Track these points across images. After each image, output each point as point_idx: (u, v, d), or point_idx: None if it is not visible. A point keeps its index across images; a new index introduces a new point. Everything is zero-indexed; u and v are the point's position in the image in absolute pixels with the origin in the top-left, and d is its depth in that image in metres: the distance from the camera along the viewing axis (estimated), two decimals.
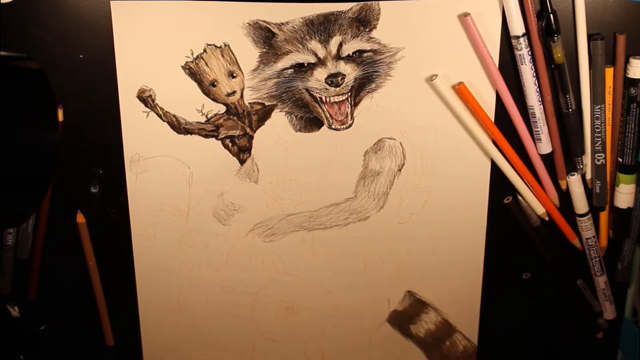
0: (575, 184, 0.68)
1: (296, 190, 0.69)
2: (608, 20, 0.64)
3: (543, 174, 0.68)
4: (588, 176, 0.68)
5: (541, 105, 0.65)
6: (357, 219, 0.70)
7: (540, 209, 0.69)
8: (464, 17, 0.62)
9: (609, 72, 0.64)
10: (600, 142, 0.66)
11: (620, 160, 0.67)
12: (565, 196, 0.69)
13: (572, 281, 0.72)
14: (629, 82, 0.64)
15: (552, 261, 0.71)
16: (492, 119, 0.66)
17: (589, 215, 0.69)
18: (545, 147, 0.66)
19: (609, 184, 0.68)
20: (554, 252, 0.71)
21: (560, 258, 0.71)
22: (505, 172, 0.68)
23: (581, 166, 0.67)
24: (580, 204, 0.69)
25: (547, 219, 0.70)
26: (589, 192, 0.69)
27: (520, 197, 0.69)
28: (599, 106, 0.65)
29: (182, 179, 0.68)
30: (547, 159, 0.67)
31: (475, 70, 0.65)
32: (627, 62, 0.64)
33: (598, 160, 0.67)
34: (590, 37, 0.63)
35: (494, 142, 0.67)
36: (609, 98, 0.65)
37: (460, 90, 0.65)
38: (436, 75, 0.65)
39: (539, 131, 0.66)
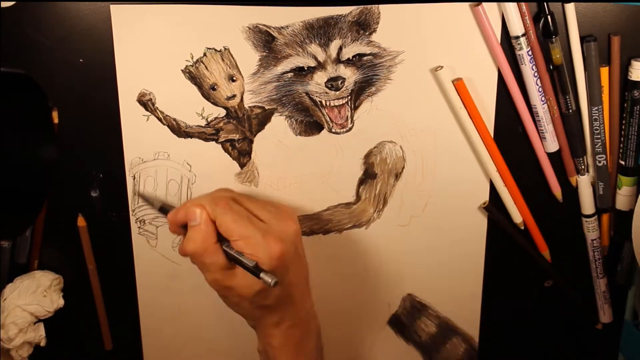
0: (585, 184, 0.68)
1: (296, 194, 0.69)
2: (608, 23, 0.64)
3: (549, 172, 0.68)
4: (592, 178, 0.68)
5: (544, 105, 0.65)
6: (358, 223, 0.70)
7: (517, 218, 0.69)
8: (475, 7, 0.62)
9: (604, 72, 0.64)
10: (600, 144, 0.66)
11: (622, 162, 0.67)
12: (566, 196, 0.69)
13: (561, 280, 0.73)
14: (631, 85, 0.64)
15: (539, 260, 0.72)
16: (493, 118, 0.66)
17: (595, 217, 0.69)
18: (551, 145, 0.66)
19: (610, 186, 0.68)
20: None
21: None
22: (492, 176, 0.68)
23: (583, 166, 0.67)
24: (588, 204, 0.68)
25: (522, 228, 0.70)
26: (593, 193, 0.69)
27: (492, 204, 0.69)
28: (596, 107, 0.65)
29: (182, 182, 0.68)
30: (556, 157, 0.67)
31: (474, 72, 0.65)
32: (624, 63, 0.64)
33: (599, 161, 0.67)
34: (583, 39, 0.63)
35: (485, 145, 0.67)
36: (605, 99, 0.65)
37: (458, 86, 0.64)
38: (442, 67, 0.64)
39: (543, 130, 0.66)
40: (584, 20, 0.63)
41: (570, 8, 0.62)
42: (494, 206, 0.69)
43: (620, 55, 0.64)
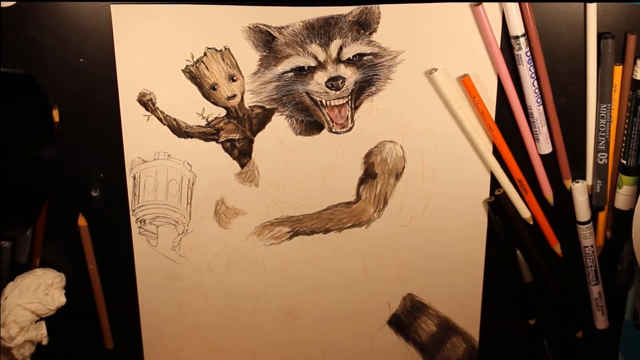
0: (579, 191, 0.67)
1: (297, 194, 0.69)
2: (624, 22, 0.63)
3: (541, 174, 0.68)
4: (589, 182, 0.68)
5: (540, 106, 0.64)
6: (358, 222, 0.70)
7: (525, 213, 0.69)
8: (475, 7, 0.62)
9: (617, 70, 0.64)
10: (604, 142, 0.66)
11: (624, 162, 0.66)
12: (559, 201, 0.69)
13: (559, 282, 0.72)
14: (636, 84, 0.64)
15: (539, 258, 0.71)
16: (493, 118, 0.66)
17: (590, 224, 0.69)
18: (545, 147, 0.66)
19: (610, 185, 0.68)
20: (543, 251, 0.71)
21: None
22: (495, 173, 0.68)
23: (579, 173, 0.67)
24: (583, 211, 0.68)
25: (531, 223, 0.69)
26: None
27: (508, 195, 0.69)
28: (605, 105, 0.65)
29: (182, 182, 0.68)
30: (551, 159, 0.67)
31: (474, 73, 0.65)
32: (635, 63, 0.64)
33: (600, 159, 0.67)
34: (600, 36, 0.63)
35: (493, 142, 0.67)
36: (615, 97, 0.65)
37: (465, 82, 0.64)
38: (436, 69, 0.64)
39: (537, 131, 0.66)
40: (603, 17, 0.63)
41: (591, 4, 0.62)
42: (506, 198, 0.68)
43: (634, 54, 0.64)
